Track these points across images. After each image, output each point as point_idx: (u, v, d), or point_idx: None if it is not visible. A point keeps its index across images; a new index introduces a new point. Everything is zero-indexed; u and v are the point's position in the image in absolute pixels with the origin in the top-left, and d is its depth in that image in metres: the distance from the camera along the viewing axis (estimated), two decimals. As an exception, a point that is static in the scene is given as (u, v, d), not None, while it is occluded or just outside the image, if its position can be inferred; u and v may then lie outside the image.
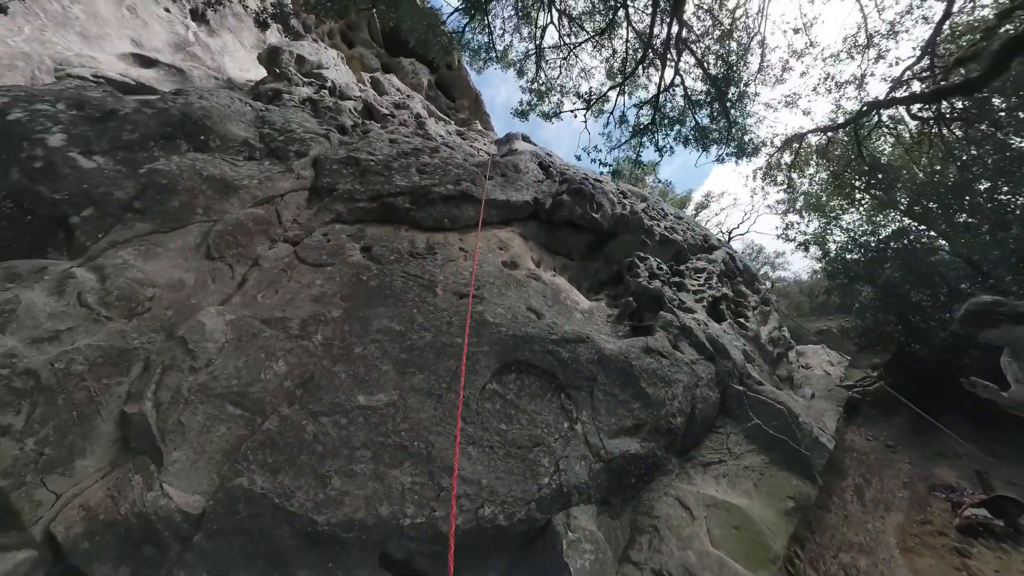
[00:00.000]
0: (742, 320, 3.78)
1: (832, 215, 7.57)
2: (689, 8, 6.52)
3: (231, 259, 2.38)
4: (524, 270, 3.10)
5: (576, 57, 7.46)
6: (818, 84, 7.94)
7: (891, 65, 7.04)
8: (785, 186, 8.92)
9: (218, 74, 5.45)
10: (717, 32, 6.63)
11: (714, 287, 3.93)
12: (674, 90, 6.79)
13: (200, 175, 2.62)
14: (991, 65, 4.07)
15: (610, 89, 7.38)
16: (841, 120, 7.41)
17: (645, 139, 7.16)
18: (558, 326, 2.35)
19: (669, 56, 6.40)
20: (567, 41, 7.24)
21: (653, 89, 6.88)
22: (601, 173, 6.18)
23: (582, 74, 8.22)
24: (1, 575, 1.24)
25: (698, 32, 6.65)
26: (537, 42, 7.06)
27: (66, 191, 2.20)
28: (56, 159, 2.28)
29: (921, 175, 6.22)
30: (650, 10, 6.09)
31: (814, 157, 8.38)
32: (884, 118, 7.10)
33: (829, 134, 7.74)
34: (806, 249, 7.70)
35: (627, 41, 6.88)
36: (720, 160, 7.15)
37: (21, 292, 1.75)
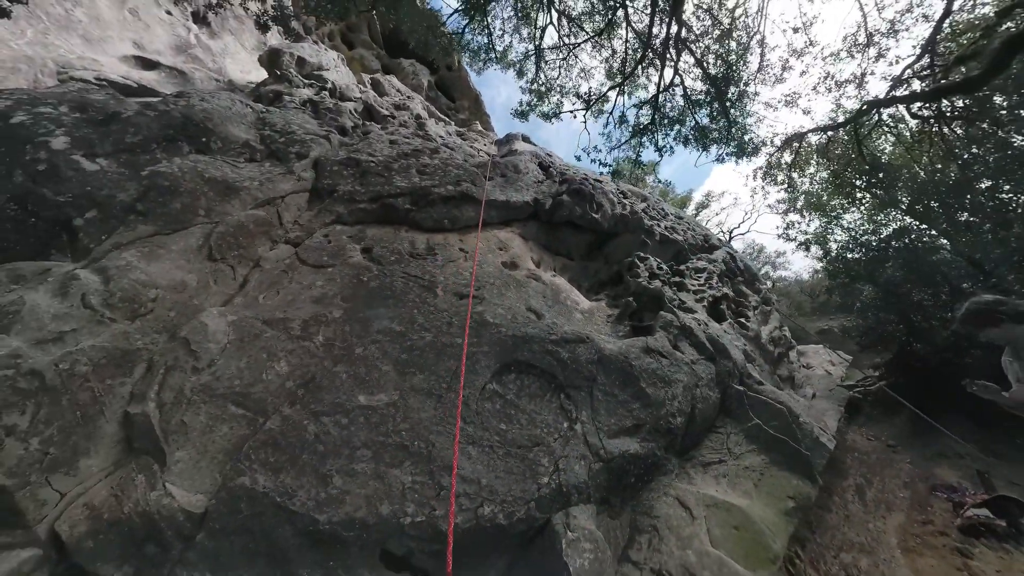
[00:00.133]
0: (743, 320, 3.78)
1: (833, 214, 7.55)
2: (688, 8, 6.53)
3: (233, 260, 2.40)
4: (524, 270, 3.11)
5: (576, 57, 7.47)
6: (818, 83, 7.92)
7: (891, 64, 7.03)
8: (785, 185, 8.91)
9: (219, 76, 5.48)
10: (716, 32, 6.63)
11: (714, 287, 3.93)
12: (674, 90, 6.80)
13: (202, 177, 2.64)
14: (992, 63, 4.06)
15: (610, 89, 7.39)
16: (841, 119, 7.40)
17: (645, 139, 7.16)
18: (558, 326, 2.35)
19: (668, 56, 6.40)
20: (566, 41, 7.26)
21: (653, 89, 6.89)
22: (601, 173, 6.18)
23: (582, 74, 8.25)
24: (6, 573, 1.25)
25: (697, 32, 6.65)
26: (536, 43, 7.07)
27: (69, 193, 2.21)
28: (59, 162, 2.30)
29: (922, 174, 6.21)
30: (649, 10, 6.09)
31: (814, 156, 8.36)
32: (884, 117, 7.09)
33: (829, 133, 7.72)
34: (807, 249, 7.68)
35: (626, 41, 6.88)
36: (720, 160, 7.15)
37: (25, 294, 1.77)
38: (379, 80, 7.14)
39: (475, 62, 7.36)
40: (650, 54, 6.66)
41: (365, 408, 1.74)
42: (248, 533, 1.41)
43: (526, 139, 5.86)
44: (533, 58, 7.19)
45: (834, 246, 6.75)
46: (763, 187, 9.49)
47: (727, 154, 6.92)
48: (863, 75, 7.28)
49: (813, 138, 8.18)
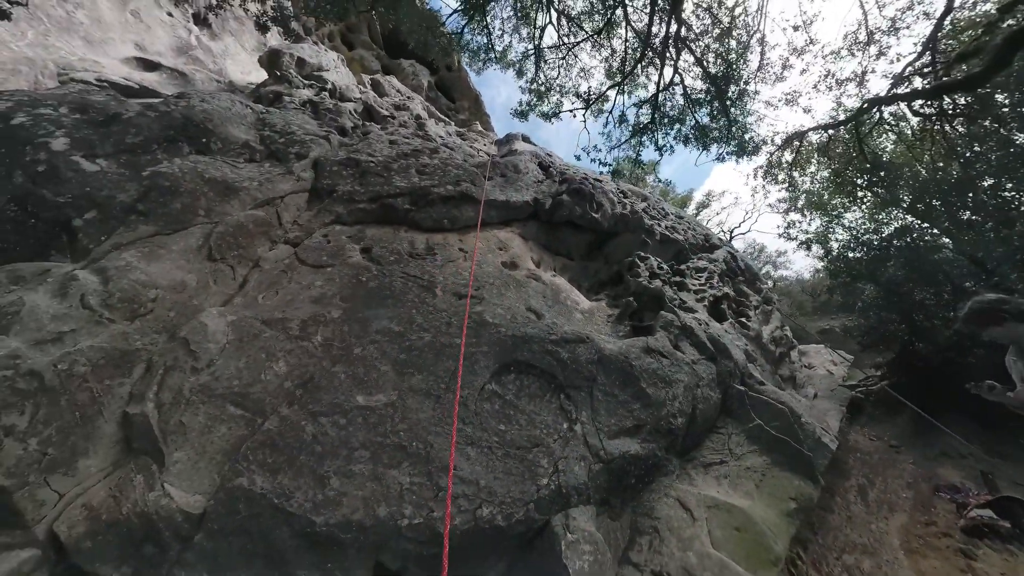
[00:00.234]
0: (744, 320, 3.76)
1: (834, 213, 7.52)
2: (688, 7, 6.51)
3: (232, 260, 2.40)
4: (524, 270, 3.10)
5: (575, 57, 7.47)
6: (819, 82, 7.90)
7: (892, 62, 7.02)
8: (786, 185, 8.88)
9: (220, 77, 5.50)
10: (716, 30, 6.61)
11: (715, 286, 3.92)
12: (673, 89, 6.78)
13: (202, 177, 2.64)
14: (993, 60, 4.04)
15: (609, 88, 7.38)
16: (842, 117, 7.37)
17: (645, 138, 7.15)
18: (558, 326, 2.35)
19: (668, 55, 6.39)
20: (566, 41, 7.25)
21: (652, 88, 6.88)
22: (601, 173, 6.18)
23: (581, 74, 8.24)
24: (5, 573, 1.25)
25: (697, 31, 6.63)
26: (536, 42, 7.06)
27: (69, 194, 2.22)
28: (59, 163, 2.31)
29: (923, 172, 6.17)
30: (648, 9, 6.09)
31: (815, 155, 8.33)
32: (886, 115, 7.06)
33: (830, 132, 7.69)
34: (808, 248, 7.64)
35: (626, 40, 6.88)
36: (721, 159, 7.11)
37: (25, 294, 1.77)
38: (379, 81, 7.15)
39: (475, 62, 7.37)
40: (650, 53, 6.65)
41: (363, 408, 1.74)
42: (246, 534, 1.41)
43: (526, 139, 5.86)
44: (533, 58, 7.19)
45: (835, 245, 6.72)
46: (764, 186, 9.47)
47: (727, 153, 6.91)
48: (864, 73, 7.25)
49: (814, 137, 8.16)
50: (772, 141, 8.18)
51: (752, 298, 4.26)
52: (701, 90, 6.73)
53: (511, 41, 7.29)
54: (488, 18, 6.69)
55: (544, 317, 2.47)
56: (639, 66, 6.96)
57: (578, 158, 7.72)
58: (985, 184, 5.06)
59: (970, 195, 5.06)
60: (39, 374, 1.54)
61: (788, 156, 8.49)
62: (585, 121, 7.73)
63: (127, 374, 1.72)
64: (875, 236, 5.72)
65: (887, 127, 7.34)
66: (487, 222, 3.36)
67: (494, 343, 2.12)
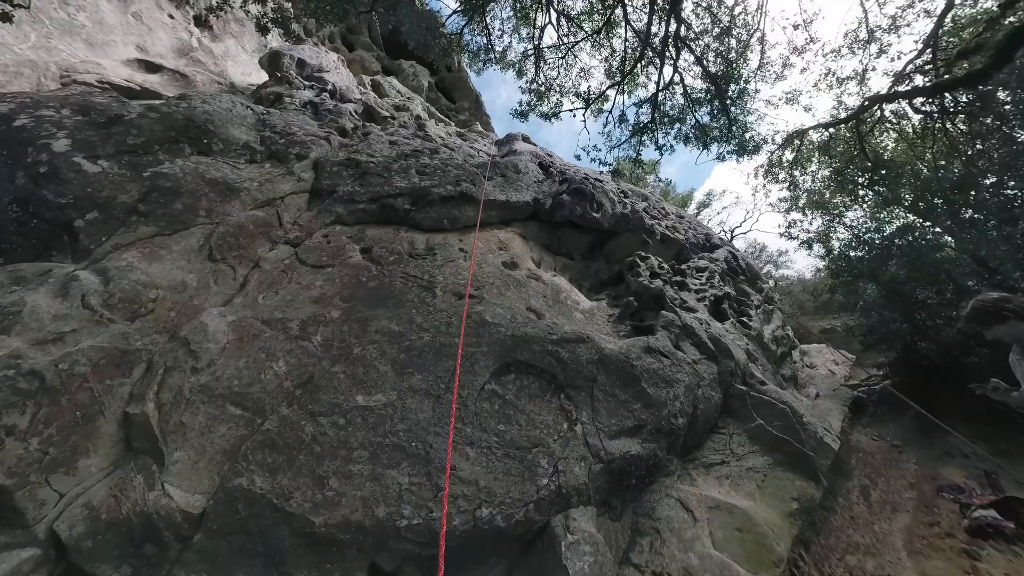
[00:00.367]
0: (745, 319, 3.75)
1: (835, 212, 7.49)
2: (687, 5, 6.52)
3: (233, 261, 2.40)
4: (524, 270, 3.10)
5: (575, 57, 7.48)
6: (819, 80, 7.88)
7: (893, 59, 6.99)
8: (787, 184, 8.85)
9: (221, 78, 5.52)
10: (716, 29, 6.60)
11: (716, 286, 3.91)
12: (673, 88, 6.78)
13: (203, 178, 2.65)
14: (995, 56, 4.03)
15: (609, 88, 7.38)
16: (843, 116, 7.35)
17: (645, 138, 7.14)
18: (558, 326, 2.34)
19: (668, 54, 6.39)
20: (565, 41, 7.25)
21: (652, 87, 6.88)
22: (601, 172, 6.17)
23: (581, 74, 8.26)
24: (5, 573, 1.25)
25: (697, 30, 6.63)
26: (536, 42, 7.08)
27: (71, 195, 2.23)
28: (61, 164, 2.32)
29: (925, 171, 6.14)
30: (648, 8, 6.08)
31: (816, 154, 8.30)
32: (887, 113, 7.03)
33: (831, 130, 7.67)
34: (809, 247, 7.61)
35: (625, 40, 6.88)
36: (721, 158, 7.10)
37: (26, 294, 1.78)
38: (379, 82, 7.17)
39: (475, 63, 7.39)
40: (649, 52, 6.65)
41: (363, 409, 1.73)
42: (245, 534, 1.41)
43: (526, 139, 5.86)
44: (532, 58, 7.20)
45: (837, 244, 6.68)
46: (764, 185, 9.44)
47: (728, 152, 6.90)
48: (864, 71, 7.24)
49: (815, 135, 8.13)
50: (773, 140, 8.17)
51: (753, 297, 4.24)
52: (701, 89, 6.73)
53: (511, 41, 7.34)
54: (488, 18, 6.71)
55: (544, 317, 2.46)
56: (639, 65, 6.96)
57: (578, 158, 7.73)
58: (987, 182, 5.03)
59: (972, 193, 5.03)
60: (40, 374, 1.54)
61: (789, 155, 8.47)
62: (585, 121, 7.74)
63: (127, 374, 1.72)
64: (877, 235, 5.69)
65: (888, 125, 7.31)
66: (487, 222, 3.36)
67: (494, 343, 2.11)
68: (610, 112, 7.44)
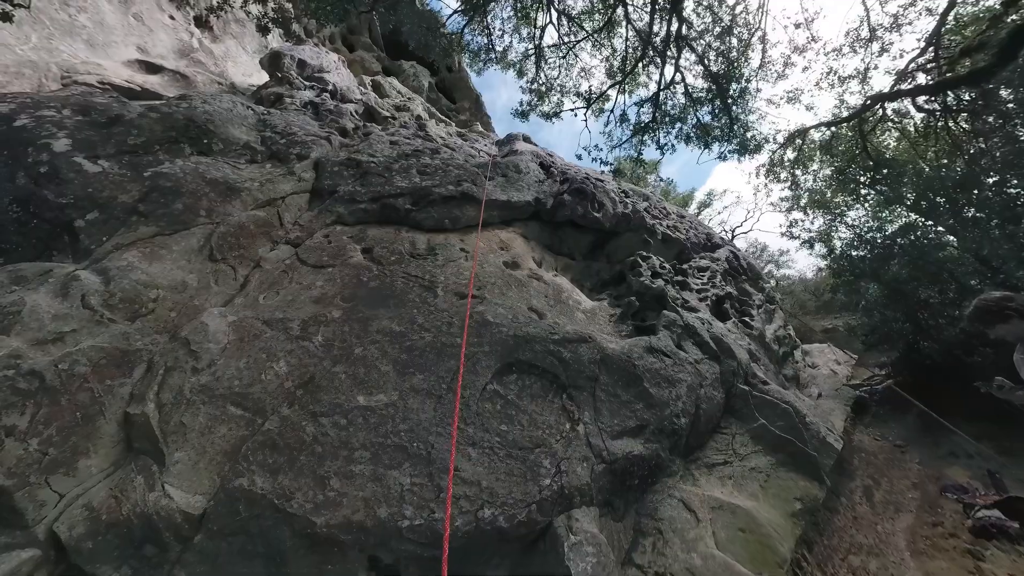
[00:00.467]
0: (747, 319, 3.74)
1: (837, 212, 7.47)
2: (689, 4, 6.51)
3: (233, 261, 2.40)
4: (525, 270, 3.09)
5: (576, 56, 7.47)
6: (821, 79, 7.85)
7: (895, 58, 7.02)
8: (788, 183, 8.83)
9: (221, 79, 5.52)
10: (718, 28, 6.59)
11: (718, 286, 3.90)
12: (675, 87, 6.76)
13: (204, 178, 2.64)
14: (998, 55, 4.01)
15: (610, 87, 7.37)
16: (845, 115, 7.33)
17: (646, 137, 7.13)
18: (560, 326, 2.33)
19: (669, 53, 6.38)
20: (566, 41, 7.25)
21: (653, 87, 6.87)
22: (602, 172, 6.16)
23: (582, 73, 8.24)
24: (5, 574, 1.25)
25: (698, 29, 6.62)
26: (536, 42, 7.06)
27: (71, 195, 2.22)
28: (61, 164, 2.32)
29: (927, 169, 6.12)
30: (649, 7, 6.07)
31: (817, 153, 8.28)
32: (889, 112, 7.01)
33: (833, 129, 7.65)
34: (811, 246, 7.59)
35: (627, 39, 6.87)
36: (722, 158, 7.06)
37: (26, 294, 1.78)
38: (380, 82, 7.17)
39: (475, 63, 7.38)
40: (651, 52, 6.64)
41: (364, 409, 1.73)
42: (246, 535, 1.40)
43: (527, 139, 5.85)
44: (533, 58, 7.19)
45: (838, 244, 6.67)
46: (766, 185, 9.43)
47: (729, 152, 6.88)
48: (866, 70, 7.22)
49: (816, 134, 8.11)
50: (774, 139, 8.14)
51: (755, 297, 4.23)
52: (702, 88, 6.72)
53: (511, 41, 7.32)
54: (488, 18, 6.70)
55: (546, 317, 2.46)
56: (640, 65, 6.95)
57: (579, 157, 7.74)
58: (990, 180, 5.01)
59: (975, 192, 5.01)
60: (40, 374, 1.54)
61: (790, 154, 8.45)
62: (586, 121, 7.74)
63: (128, 374, 1.72)
64: (879, 234, 5.67)
65: (890, 124, 7.30)
66: (488, 222, 3.35)
67: (496, 343, 2.10)
68: (611, 112, 7.43)
